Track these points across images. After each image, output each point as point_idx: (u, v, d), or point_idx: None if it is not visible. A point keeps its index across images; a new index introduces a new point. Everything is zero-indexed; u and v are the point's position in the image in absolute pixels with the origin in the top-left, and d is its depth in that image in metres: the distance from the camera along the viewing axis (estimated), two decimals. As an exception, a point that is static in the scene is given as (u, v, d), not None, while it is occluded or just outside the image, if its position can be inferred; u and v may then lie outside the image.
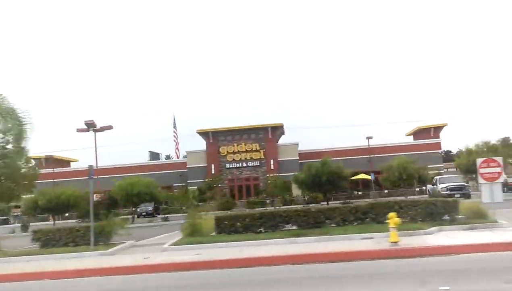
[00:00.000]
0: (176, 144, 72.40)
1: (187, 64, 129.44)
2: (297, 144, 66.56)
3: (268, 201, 55.28)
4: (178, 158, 74.43)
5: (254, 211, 23.95)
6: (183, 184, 65.40)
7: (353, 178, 63.89)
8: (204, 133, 65.09)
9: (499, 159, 19.09)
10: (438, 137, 76.17)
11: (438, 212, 19.31)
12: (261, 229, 19.83)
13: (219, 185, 62.02)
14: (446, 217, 19.28)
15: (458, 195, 41.98)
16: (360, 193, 62.88)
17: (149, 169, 67.75)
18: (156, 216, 50.81)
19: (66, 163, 77.05)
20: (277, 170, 63.80)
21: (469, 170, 44.96)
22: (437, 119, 75.48)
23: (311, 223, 19.64)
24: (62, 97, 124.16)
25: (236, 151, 65.01)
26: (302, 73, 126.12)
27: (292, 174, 64.35)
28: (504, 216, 20.30)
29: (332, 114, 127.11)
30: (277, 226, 19.97)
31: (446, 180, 44.68)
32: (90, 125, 43.72)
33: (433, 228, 18.24)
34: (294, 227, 20.00)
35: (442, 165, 69.15)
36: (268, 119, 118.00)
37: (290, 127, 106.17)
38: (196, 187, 61.51)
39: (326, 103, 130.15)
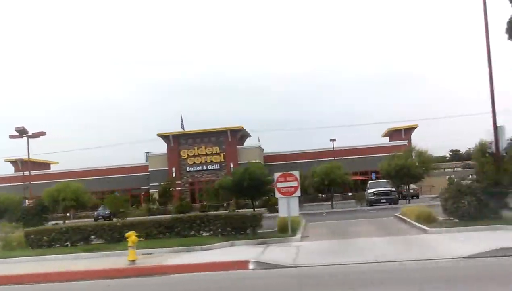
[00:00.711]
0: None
1: (155, 64, 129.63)
2: (259, 147, 66.21)
3: (225, 204, 55.25)
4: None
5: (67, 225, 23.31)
6: (147, 187, 66.02)
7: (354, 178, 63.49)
8: (165, 137, 65.39)
9: (296, 173, 18.95)
10: (409, 138, 75.24)
11: (240, 226, 19.24)
12: (68, 243, 19.94)
13: (178, 188, 62.16)
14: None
15: (384, 200, 41.66)
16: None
17: (111, 172, 68.35)
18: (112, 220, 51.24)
19: (46, 165, 78.24)
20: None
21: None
22: (409, 120, 73.97)
23: (116, 237, 19.65)
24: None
25: (197, 154, 65.27)
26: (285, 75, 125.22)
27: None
28: (319, 229, 20.30)
29: (310, 116, 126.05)
30: (88, 239, 20.08)
31: (375, 185, 44.18)
32: (22, 132, 44.28)
33: (225, 243, 18.22)
34: (101, 241, 20.07)
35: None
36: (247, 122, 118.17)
37: (257, 130, 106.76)
38: (156, 190, 61.88)
39: (305, 106, 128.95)
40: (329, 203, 44.42)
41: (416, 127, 74.74)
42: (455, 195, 18.63)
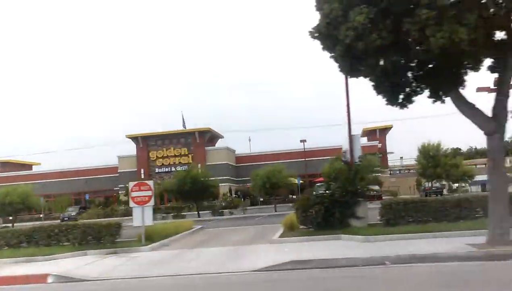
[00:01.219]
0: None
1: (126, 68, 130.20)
2: (227, 149, 66.30)
3: (191, 206, 55.02)
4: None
5: None
6: (116, 189, 66.45)
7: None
8: (134, 138, 65.65)
9: (150, 183, 19.02)
10: (384, 139, 75.02)
11: (96, 236, 19.30)
12: None
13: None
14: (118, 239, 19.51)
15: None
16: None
17: (82, 174, 68.89)
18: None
19: (28, 166, 79.07)
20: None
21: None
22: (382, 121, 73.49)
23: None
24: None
25: (165, 155, 65.52)
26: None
27: (221, 178, 64.43)
28: (197, 237, 20.34)
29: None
30: None
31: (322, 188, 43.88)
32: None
33: (78, 252, 18.34)
34: None
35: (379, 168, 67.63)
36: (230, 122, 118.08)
37: (229, 131, 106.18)
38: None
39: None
40: (273, 206, 44.22)
41: (391, 127, 74.19)
42: (304, 204, 18.58)
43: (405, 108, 15.42)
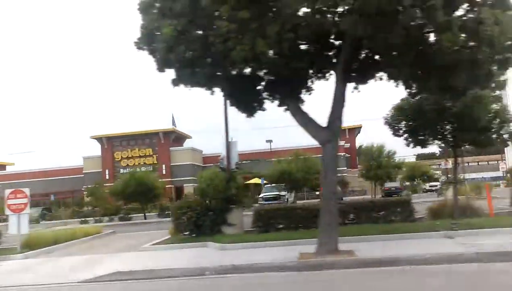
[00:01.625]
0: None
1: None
2: (191, 149, 66.36)
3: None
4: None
5: None
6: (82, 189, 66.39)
7: (247, 182, 63.64)
8: (98, 139, 65.64)
9: (27, 191, 18.99)
10: (354, 139, 75.14)
11: None
12: None
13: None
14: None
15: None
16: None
17: (51, 174, 68.95)
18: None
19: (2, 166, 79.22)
20: (170, 174, 63.95)
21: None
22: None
23: None
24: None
25: (130, 156, 65.57)
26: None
27: (185, 178, 64.46)
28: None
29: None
30: None
31: (269, 190, 44.05)
32: None
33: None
34: None
35: (345, 169, 67.81)
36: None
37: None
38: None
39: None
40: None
41: (361, 127, 74.30)
42: (176, 211, 18.63)
43: (252, 117, 15.44)
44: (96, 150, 67.76)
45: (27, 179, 69.78)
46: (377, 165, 44.59)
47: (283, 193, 43.31)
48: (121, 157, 66.08)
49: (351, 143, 74.15)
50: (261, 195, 43.39)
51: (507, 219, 17.62)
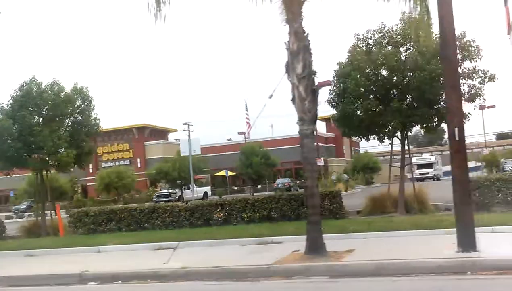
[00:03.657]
0: (249, 126, 71.14)
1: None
2: (162, 143, 68.81)
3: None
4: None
5: None
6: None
7: (216, 174, 65.22)
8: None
9: None
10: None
11: None
12: None
13: (92, 184, 66.56)
14: None
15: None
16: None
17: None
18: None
19: None
20: (145, 168, 66.90)
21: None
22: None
23: None
24: None
25: (110, 151, 69.43)
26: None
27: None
28: None
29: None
30: None
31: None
32: None
33: None
34: None
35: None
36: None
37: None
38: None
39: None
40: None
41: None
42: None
43: None
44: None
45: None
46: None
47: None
48: (103, 151, 69.93)
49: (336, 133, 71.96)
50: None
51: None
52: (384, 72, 17.30)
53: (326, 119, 75.29)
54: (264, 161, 50.03)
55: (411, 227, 14.09)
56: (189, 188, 46.21)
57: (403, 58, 17.15)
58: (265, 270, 11.48)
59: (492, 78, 17.55)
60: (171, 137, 75.61)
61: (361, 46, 17.95)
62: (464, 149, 11.05)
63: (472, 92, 17.40)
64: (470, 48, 16.94)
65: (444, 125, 17.94)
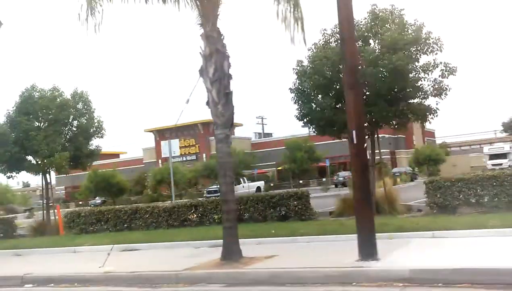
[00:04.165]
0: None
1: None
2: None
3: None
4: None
5: None
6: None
7: (280, 168, 65.45)
8: (151, 132, 72.78)
9: None
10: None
11: None
12: None
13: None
14: None
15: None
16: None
17: (123, 165, 78.03)
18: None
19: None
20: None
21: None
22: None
23: None
24: None
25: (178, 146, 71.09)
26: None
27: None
28: None
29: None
30: None
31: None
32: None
33: None
34: None
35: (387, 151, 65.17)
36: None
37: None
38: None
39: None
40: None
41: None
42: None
43: None
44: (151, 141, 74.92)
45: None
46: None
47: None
48: (171, 147, 71.82)
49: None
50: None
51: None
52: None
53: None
54: (309, 156, 49.50)
55: (351, 232, 13.55)
56: (239, 183, 46.67)
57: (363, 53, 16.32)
58: (173, 276, 11.53)
59: (452, 71, 16.56)
60: (238, 132, 76.60)
61: (324, 42, 17.32)
62: (363, 152, 10.54)
63: (436, 86, 16.38)
64: (427, 41, 15.95)
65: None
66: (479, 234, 12.16)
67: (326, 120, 17.30)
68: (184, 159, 72.15)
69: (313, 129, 18.93)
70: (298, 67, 17.75)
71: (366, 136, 18.79)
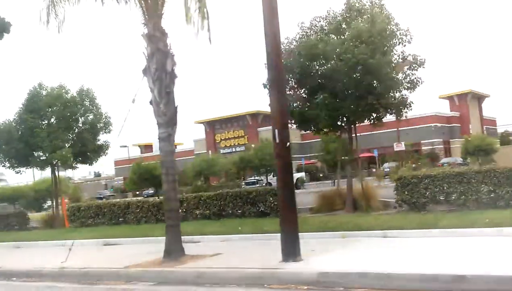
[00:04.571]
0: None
1: None
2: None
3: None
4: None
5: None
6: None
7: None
8: (202, 123, 74.12)
9: None
10: (466, 105, 69.21)
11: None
12: None
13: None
14: None
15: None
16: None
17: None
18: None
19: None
20: (259, 153, 68.91)
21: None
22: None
23: None
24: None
25: (227, 137, 72.64)
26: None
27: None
28: None
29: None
30: None
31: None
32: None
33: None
34: None
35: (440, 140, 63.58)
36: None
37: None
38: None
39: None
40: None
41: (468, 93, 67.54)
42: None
43: None
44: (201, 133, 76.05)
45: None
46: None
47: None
48: (220, 138, 73.07)
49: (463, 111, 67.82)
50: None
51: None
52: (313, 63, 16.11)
53: (449, 97, 71.11)
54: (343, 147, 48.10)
55: (311, 230, 13.33)
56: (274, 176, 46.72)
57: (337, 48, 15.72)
58: (115, 273, 11.80)
59: (421, 64, 15.96)
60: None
61: (302, 36, 16.83)
62: (286, 152, 10.31)
63: (408, 79, 15.69)
64: (394, 33, 15.27)
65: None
66: (432, 234, 11.71)
67: (297, 115, 16.96)
68: (233, 150, 72.80)
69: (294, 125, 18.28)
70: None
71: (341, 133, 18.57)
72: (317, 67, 16.17)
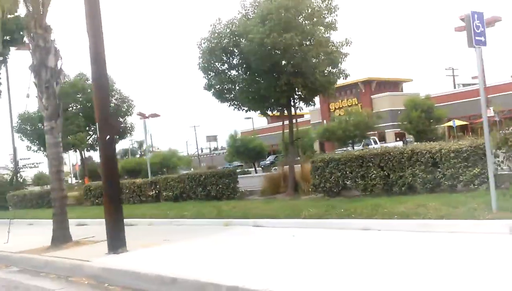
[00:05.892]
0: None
1: None
2: (390, 95, 68.04)
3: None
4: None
5: None
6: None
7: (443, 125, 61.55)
8: (315, 91, 74.05)
9: None
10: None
11: None
12: None
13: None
14: None
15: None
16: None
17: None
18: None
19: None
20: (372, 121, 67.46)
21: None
22: None
23: None
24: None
25: (340, 106, 71.71)
26: None
27: (386, 124, 66.81)
28: None
29: None
30: None
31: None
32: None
33: None
34: None
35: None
36: None
37: None
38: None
39: None
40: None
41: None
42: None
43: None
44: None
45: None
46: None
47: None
48: (334, 107, 72.21)
49: None
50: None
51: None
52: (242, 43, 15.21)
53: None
54: (426, 115, 44.81)
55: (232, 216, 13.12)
56: (367, 145, 45.17)
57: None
58: (5, 257, 12.72)
59: (347, 42, 15.13)
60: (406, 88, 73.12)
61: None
62: (108, 145, 10.40)
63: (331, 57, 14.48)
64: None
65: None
66: (294, 224, 11.03)
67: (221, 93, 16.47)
68: (347, 118, 71.16)
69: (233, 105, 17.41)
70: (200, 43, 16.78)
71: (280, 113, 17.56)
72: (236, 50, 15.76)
